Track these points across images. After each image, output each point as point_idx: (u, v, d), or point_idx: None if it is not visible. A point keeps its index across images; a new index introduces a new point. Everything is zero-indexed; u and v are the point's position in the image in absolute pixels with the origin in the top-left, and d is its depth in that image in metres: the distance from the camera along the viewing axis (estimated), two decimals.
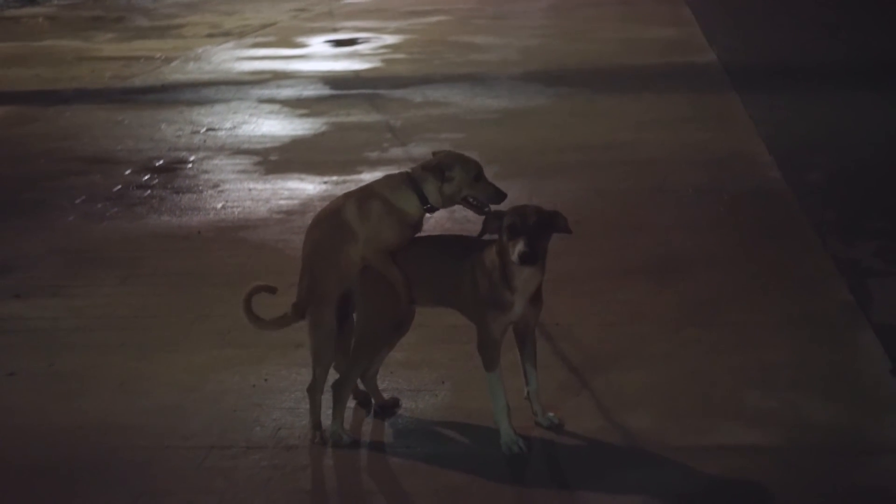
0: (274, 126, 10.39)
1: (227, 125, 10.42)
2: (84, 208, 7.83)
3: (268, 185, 8.29)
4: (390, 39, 15.78)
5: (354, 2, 20.92)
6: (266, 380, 4.98)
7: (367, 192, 4.43)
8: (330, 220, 4.41)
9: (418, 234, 4.43)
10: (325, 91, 12.04)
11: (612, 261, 6.42)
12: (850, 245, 6.60)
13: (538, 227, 4.09)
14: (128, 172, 8.78)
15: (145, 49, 15.35)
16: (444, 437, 4.47)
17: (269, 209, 7.67)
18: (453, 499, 4.02)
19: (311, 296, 4.42)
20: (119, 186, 8.36)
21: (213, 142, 9.77)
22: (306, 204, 7.70)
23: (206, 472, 4.25)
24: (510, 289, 4.17)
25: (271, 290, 4.56)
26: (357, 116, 10.66)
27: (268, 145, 9.60)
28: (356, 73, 13.16)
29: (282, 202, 7.83)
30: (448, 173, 4.31)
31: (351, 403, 4.62)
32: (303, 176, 8.52)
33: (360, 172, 8.46)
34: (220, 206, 7.80)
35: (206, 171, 8.77)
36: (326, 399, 4.49)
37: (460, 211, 5.19)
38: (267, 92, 12.03)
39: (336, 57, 14.44)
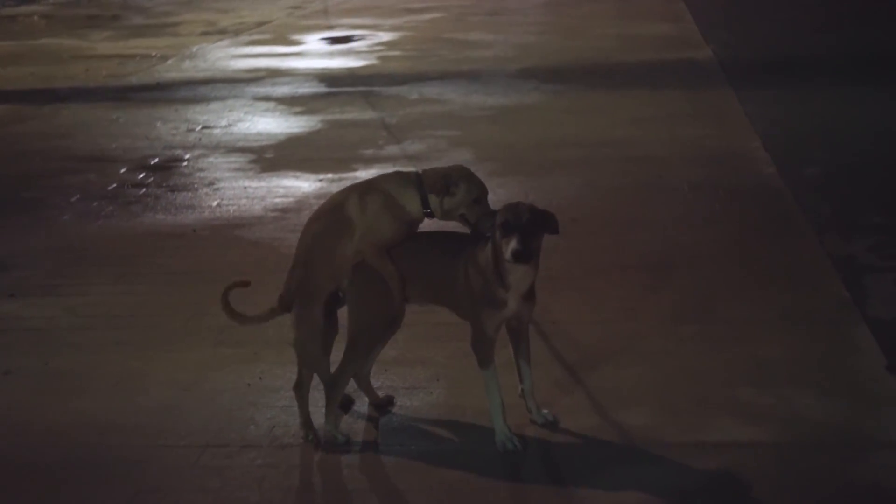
0: (269, 124, 10.38)
1: (223, 123, 10.41)
2: (79, 207, 7.82)
3: (263, 183, 8.28)
4: (386, 37, 15.76)
5: None
6: (261, 378, 4.98)
7: (370, 185, 4.43)
8: (332, 214, 4.40)
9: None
10: (321, 88, 12.03)
11: (608, 257, 6.42)
12: (845, 241, 6.60)
13: (531, 225, 4.09)
14: (123, 171, 8.77)
15: (141, 47, 15.32)
16: (438, 434, 4.47)
17: (265, 207, 7.67)
18: (448, 496, 4.02)
19: (301, 289, 4.41)
20: (114, 185, 8.36)
21: (209, 140, 9.76)
22: (301, 202, 7.70)
23: (201, 470, 4.26)
24: (504, 286, 4.17)
25: (244, 284, 4.56)
26: (352, 114, 10.65)
27: (263, 143, 9.59)
28: (351, 70, 13.14)
29: (277, 200, 7.82)
30: (452, 188, 4.30)
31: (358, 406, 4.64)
32: (298, 174, 8.51)
33: (355, 170, 8.46)
34: (215, 204, 7.79)
35: (201, 170, 8.76)
36: (315, 396, 4.49)
37: None
38: (262, 90, 12.01)
39: (331, 54, 14.43)
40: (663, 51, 13.66)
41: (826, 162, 8.38)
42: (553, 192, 7.67)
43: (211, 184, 8.32)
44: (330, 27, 16.93)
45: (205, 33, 16.60)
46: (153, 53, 14.71)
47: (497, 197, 7.39)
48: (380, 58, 13.98)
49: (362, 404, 4.69)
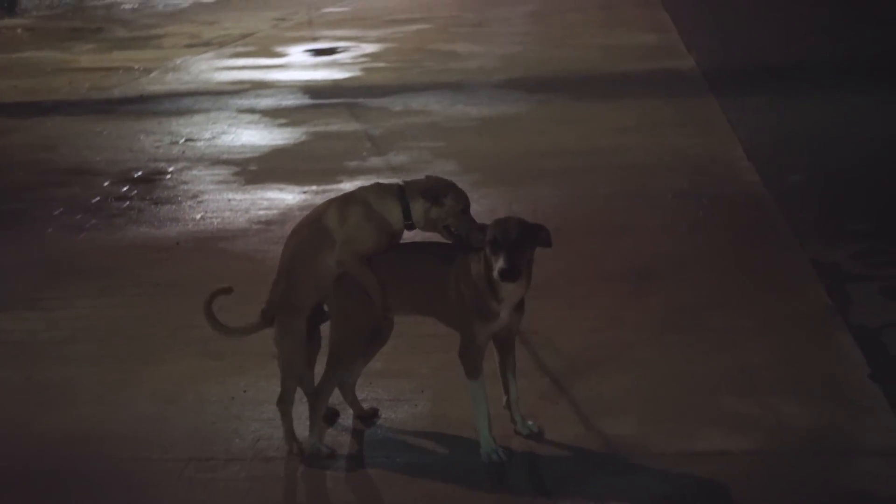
0: (253, 136, 10.37)
1: (207, 135, 10.39)
2: (63, 220, 7.80)
3: (247, 196, 8.27)
4: (370, 48, 15.77)
5: (334, 11, 20.91)
6: (245, 391, 4.96)
7: (350, 196, 4.44)
8: (312, 226, 4.40)
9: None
10: (305, 100, 12.03)
11: (592, 267, 6.43)
12: (829, 248, 6.62)
13: (519, 242, 4.08)
14: (107, 184, 8.74)
15: (124, 60, 15.30)
16: (423, 446, 4.46)
17: (249, 219, 7.65)
18: None
19: (284, 302, 4.40)
20: (98, 198, 8.33)
21: (192, 152, 9.74)
22: (285, 214, 7.68)
23: (186, 483, 4.24)
24: (497, 299, 4.16)
25: (227, 291, 4.54)
26: (336, 125, 10.65)
27: (247, 155, 9.58)
28: (336, 82, 13.14)
29: (261, 212, 7.81)
30: (441, 198, 4.30)
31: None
32: (282, 186, 8.50)
33: (339, 182, 8.45)
34: (199, 216, 7.78)
35: (185, 182, 8.74)
36: (299, 409, 4.48)
37: None
38: (246, 102, 12.00)
39: (315, 66, 14.43)
40: (647, 60, 13.70)
41: (809, 169, 8.40)
42: (537, 201, 7.67)
43: (195, 196, 8.30)
44: (314, 39, 16.94)
45: (189, 46, 16.59)
46: (137, 66, 14.69)
47: (482, 207, 7.43)
48: (364, 69, 13.99)
49: (347, 417, 4.68)
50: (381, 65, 14.29)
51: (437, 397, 4.82)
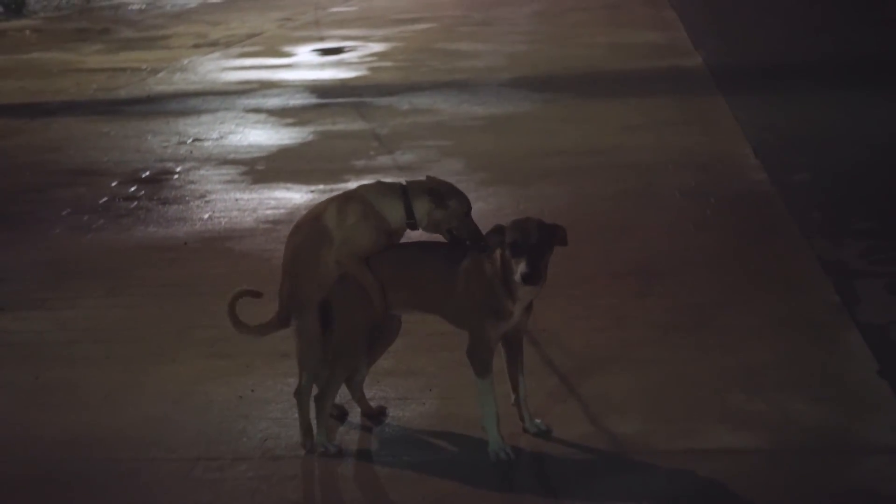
0: (260, 135, 10.38)
1: (214, 135, 10.40)
2: (70, 220, 7.81)
3: (254, 195, 8.28)
4: (377, 47, 15.78)
5: (341, 10, 20.92)
6: (252, 390, 4.96)
7: (350, 195, 4.44)
8: (310, 225, 4.41)
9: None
10: (312, 100, 12.03)
11: (599, 265, 6.42)
12: (836, 246, 6.60)
13: (540, 244, 4.07)
14: (114, 184, 8.75)
15: (131, 60, 15.32)
16: (431, 444, 4.46)
17: (256, 219, 7.66)
18: None
19: (292, 302, 4.41)
20: (105, 198, 8.34)
21: (200, 152, 9.75)
22: (293, 213, 7.68)
23: (193, 483, 4.24)
24: (512, 298, 4.16)
25: (256, 295, 4.55)
26: (343, 125, 10.65)
27: (254, 155, 9.59)
28: (342, 81, 13.15)
29: (268, 212, 7.81)
30: (447, 201, 4.30)
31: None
32: (289, 185, 8.50)
33: (346, 181, 8.44)
34: (206, 216, 7.78)
35: (192, 182, 8.75)
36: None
37: None
38: (253, 101, 12.01)
39: (322, 66, 14.43)
40: (653, 59, 13.69)
41: (816, 167, 8.39)
42: (544, 200, 7.67)
43: (202, 196, 8.31)
44: (321, 39, 16.95)
45: (196, 46, 16.60)
46: (144, 66, 14.71)
47: (489, 206, 7.45)
48: (371, 69, 13.99)
49: (355, 415, 4.68)
50: (388, 64, 14.29)
51: (444, 396, 4.82)
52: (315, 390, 4.42)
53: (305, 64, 14.66)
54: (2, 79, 14.28)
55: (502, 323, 4.21)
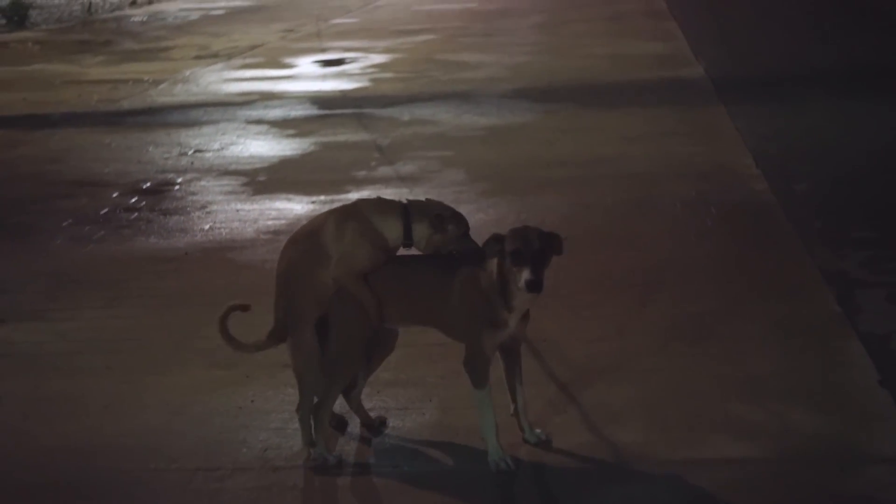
0: (262, 147, 10.38)
1: (215, 146, 10.41)
2: (71, 231, 7.81)
3: (255, 206, 8.28)
4: (378, 59, 15.79)
5: (342, 22, 20.95)
6: (253, 401, 4.96)
7: (348, 211, 4.41)
8: (307, 241, 4.39)
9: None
10: (313, 111, 12.04)
11: (599, 275, 6.42)
12: (837, 256, 6.59)
13: (542, 252, 4.08)
14: (115, 195, 8.76)
15: (133, 72, 15.34)
16: (431, 455, 4.46)
17: (257, 230, 7.66)
18: None
19: (288, 318, 4.40)
20: (106, 209, 8.35)
21: (201, 163, 9.76)
22: (294, 224, 7.65)
23: (193, 494, 4.24)
24: (508, 308, 4.15)
25: (245, 308, 4.53)
26: (345, 136, 10.66)
27: (256, 166, 9.59)
28: (344, 92, 13.16)
29: (269, 223, 7.82)
30: (446, 226, 4.30)
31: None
32: (290, 196, 8.51)
33: (347, 192, 8.45)
34: (207, 227, 7.79)
35: (193, 193, 8.76)
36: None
37: None
38: (255, 113, 12.02)
39: (324, 77, 14.45)
40: (654, 69, 13.70)
41: (817, 177, 8.38)
42: (545, 210, 7.67)
43: (203, 207, 8.32)
44: (322, 50, 16.97)
45: (197, 57, 16.63)
46: (146, 78, 14.73)
47: (489, 216, 7.45)
48: (372, 80, 14.01)
49: (354, 426, 4.67)
50: (390, 75, 14.31)
51: (445, 406, 4.82)
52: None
53: (307, 75, 14.67)
54: (4, 90, 14.30)
55: (498, 333, 4.21)
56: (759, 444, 4.37)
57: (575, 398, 4.86)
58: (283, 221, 7.82)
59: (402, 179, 8.75)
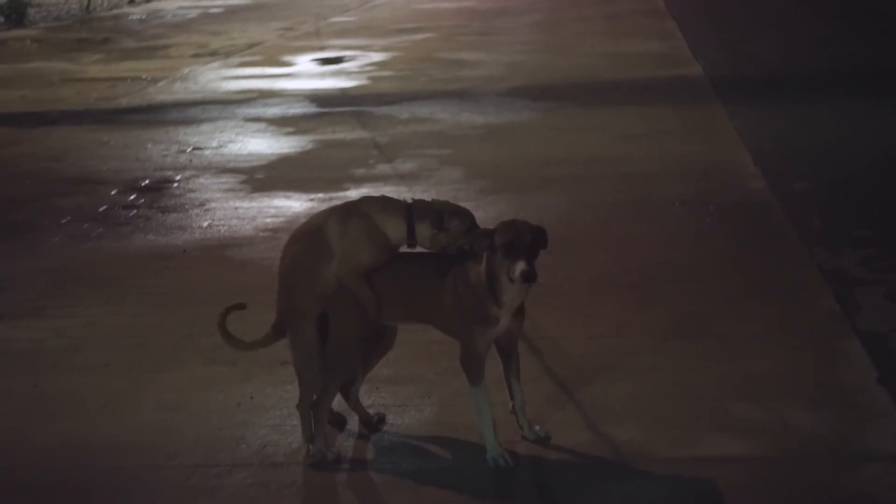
0: (260, 144, 10.38)
1: (214, 144, 10.41)
2: (69, 229, 7.81)
3: (254, 204, 8.28)
4: (377, 57, 15.79)
5: (341, 20, 20.95)
6: (251, 398, 4.96)
7: (351, 208, 4.40)
8: (311, 237, 4.39)
9: None
10: (312, 109, 12.04)
11: (598, 274, 6.42)
12: (836, 255, 6.61)
13: (534, 243, 4.09)
14: (113, 192, 8.76)
15: (132, 70, 15.33)
16: (430, 452, 4.45)
17: (255, 227, 7.66)
18: None
19: (290, 313, 4.40)
20: (105, 207, 8.34)
21: (200, 161, 9.76)
22: (292, 222, 7.66)
23: (192, 490, 4.23)
24: (498, 304, 4.16)
25: (241, 307, 4.54)
26: (343, 134, 10.66)
27: (254, 163, 9.59)
28: (342, 90, 13.16)
29: (268, 220, 7.82)
30: (447, 224, 4.30)
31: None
32: (289, 194, 8.51)
33: (346, 189, 8.45)
34: (206, 224, 7.78)
35: (192, 191, 8.75)
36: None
37: None
38: (253, 110, 12.02)
39: (322, 75, 14.45)
40: (653, 68, 13.70)
41: (816, 176, 8.39)
42: (543, 209, 7.66)
43: (201, 205, 8.31)
44: (321, 48, 16.97)
45: (196, 55, 16.62)
46: (144, 76, 14.72)
47: (488, 215, 7.43)
48: (371, 78, 14.01)
49: (353, 423, 4.67)
50: (388, 73, 14.31)
51: (443, 403, 4.82)
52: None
53: (305, 73, 14.67)
54: (2, 88, 14.29)
55: (490, 330, 4.20)
56: (758, 442, 4.37)
57: (574, 396, 4.86)
58: (281, 219, 7.81)
59: (400, 177, 8.75)
